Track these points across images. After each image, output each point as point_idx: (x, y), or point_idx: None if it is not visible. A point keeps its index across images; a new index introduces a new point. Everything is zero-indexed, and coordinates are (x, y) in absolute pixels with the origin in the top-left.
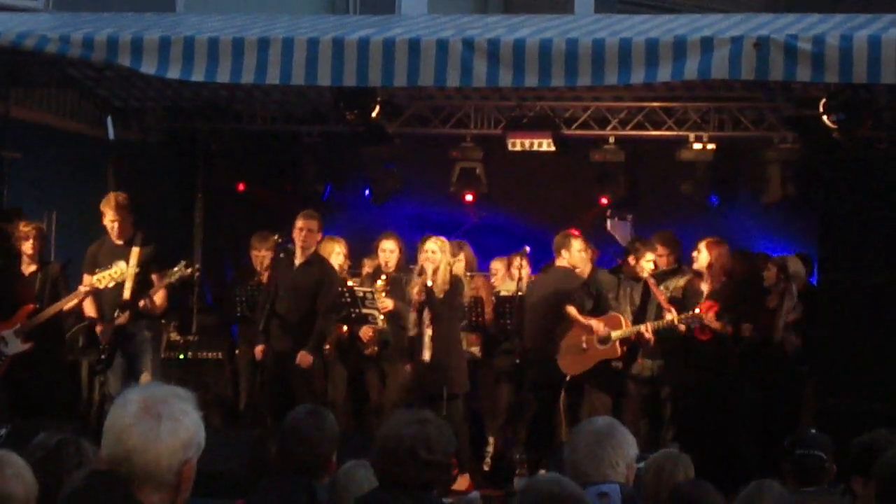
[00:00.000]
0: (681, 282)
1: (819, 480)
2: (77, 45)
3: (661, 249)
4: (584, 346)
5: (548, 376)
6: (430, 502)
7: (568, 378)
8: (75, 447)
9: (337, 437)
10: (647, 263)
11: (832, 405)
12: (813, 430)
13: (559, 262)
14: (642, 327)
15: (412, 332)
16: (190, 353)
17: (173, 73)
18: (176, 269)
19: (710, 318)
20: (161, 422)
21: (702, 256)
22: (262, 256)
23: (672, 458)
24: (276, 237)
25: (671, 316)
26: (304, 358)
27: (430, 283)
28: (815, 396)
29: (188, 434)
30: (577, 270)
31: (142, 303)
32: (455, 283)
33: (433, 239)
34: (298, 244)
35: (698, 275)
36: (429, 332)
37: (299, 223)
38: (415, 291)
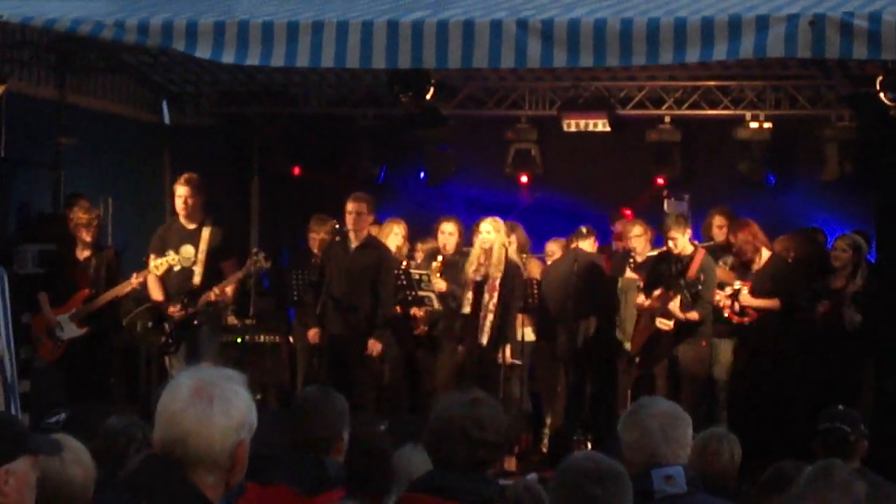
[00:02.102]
0: (730, 258)
1: (845, 454)
2: (132, 30)
3: (720, 220)
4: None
5: (605, 356)
6: (483, 481)
7: (634, 357)
8: (142, 432)
9: (346, 415)
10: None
11: (890, 384)
12: (841, 407)
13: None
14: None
15: (466, 309)
16: (248, 337)
17: (228, 57)
18: (253, 260)
19: (744, 299)
20: (213, 404)
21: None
22: (320, 239)
23: (717, 437)
24: (333, 221)
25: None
26: (374, 346)
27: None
28: (874, 376)
29: (240, 415)
30: (638, 252)
31: (214, 295)
32: (509, 264)
33: (488, 220)
34: (350, 227)
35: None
36: (490, 316)
37: (349, 206)
38: (471, 270)
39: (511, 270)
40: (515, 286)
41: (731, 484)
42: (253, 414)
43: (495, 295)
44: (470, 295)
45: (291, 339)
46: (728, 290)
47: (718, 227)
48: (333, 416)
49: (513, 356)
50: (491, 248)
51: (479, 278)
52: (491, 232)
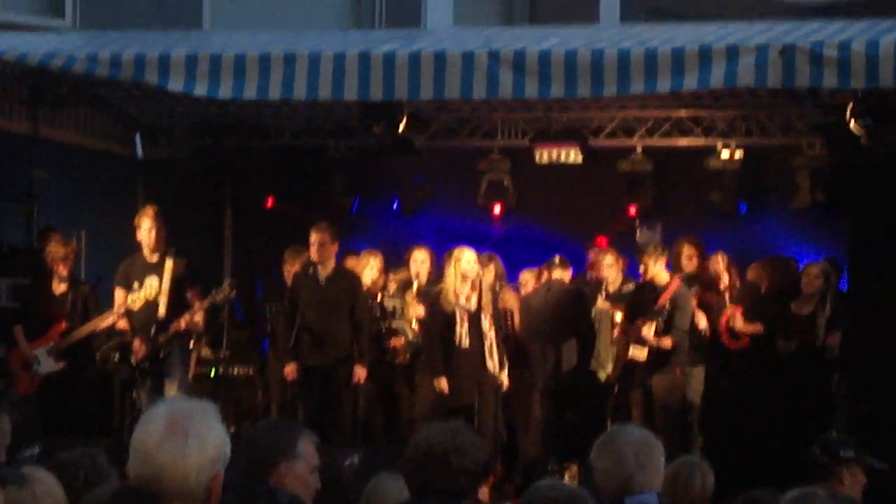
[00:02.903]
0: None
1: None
2: (104, 63)
3: (688, 250)
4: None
5: (581, 386)
6: None
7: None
8: (91, 462)
9: (290, 446)
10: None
11: (864, 410)
12: (834, 433)
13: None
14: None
15: (465, 344)
16: (221, 369)
17: (200, 90)
18: (220, 289)
19: (738, 323)
20: (188, 439)
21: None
22: (294, 271)
23: (688, 465)
24: (308, 253)
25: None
26: (360, 372)
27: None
28: (847, 402)
29: (215, 449)
30: (610, 282)
31: (184, 322)
32: (493, 293)
33: (468, 250)
34: (316, 258)
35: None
36: (494, 347)
37: (312, 237)
38: (462, 299)
39: (494, 300)
40: (502, 315)
41: None
42: (227, 446)
43: (492, 323)
44: (467, 327)
45: (266, 370)
46: (723, 315)
47: (688, 257)
48: (269, 446)
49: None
50: (478, 279)
51: (473, 308)
52: (474, 262)
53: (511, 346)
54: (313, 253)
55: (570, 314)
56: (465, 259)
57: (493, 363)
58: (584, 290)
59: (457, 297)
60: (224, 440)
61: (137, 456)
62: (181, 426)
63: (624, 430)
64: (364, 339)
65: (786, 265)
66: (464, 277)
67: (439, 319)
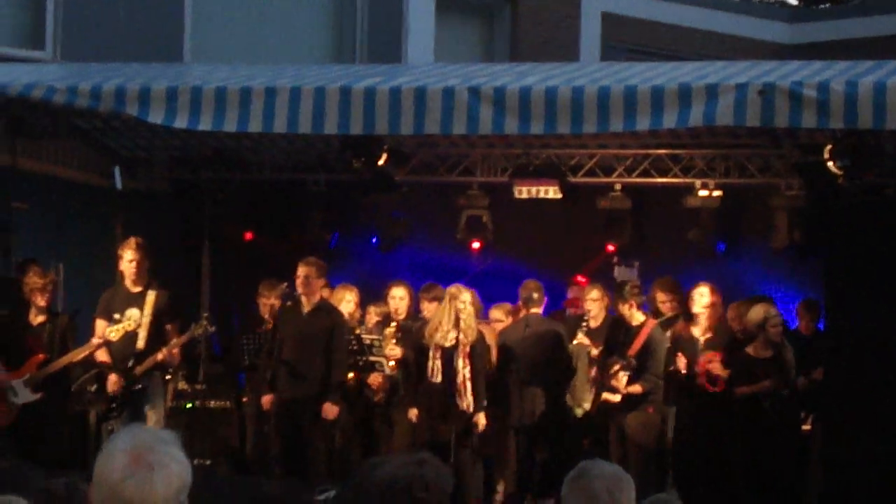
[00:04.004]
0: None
1: None
2: (85, 95)
3: (662, 296)
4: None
5: (556, 423)
6: None
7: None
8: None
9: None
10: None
11: (837, 452)
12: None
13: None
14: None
15: (437, 379)
16: (198, 402)
17: (181, 122)
18: (199, 324)
19: (716, 368)
20: (153, 473)
21: (703, 300)
22: (270, 304)
23: (659, 501)
24: (284, 285)
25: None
26: (330, 409)
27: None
28: (821, 444)
29: (180, 480)
30: (592, 316)
31: (161, 356)
32: (478, 331)
33: (462, 287)
34: (300, 291)
35: (688, 318)
36: (469, 384)
37: (299, 270)
38: (438, 337)
39: (479, 337)
40: (483, 353)
41: None
42: (189, 474)
43: (468, 362)
44: (439, 363)
45: (243, 403)
46: (701, 360)
47: (661, 302)
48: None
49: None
50: (459, 315)
51: (447, 345)
52: (467, 300)
53: (486, 382)
54: (299, 286)
55: (547, 352)
56: (461, 299)
57: (466, 401)
58: (560, 328)
59: (436, 332)
60: (186, 468)
61: (102, 490)
62: (145, 460)
63: (595, 466)
64: (337, 375)
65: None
66: (455, 317)
67: (415, 352)
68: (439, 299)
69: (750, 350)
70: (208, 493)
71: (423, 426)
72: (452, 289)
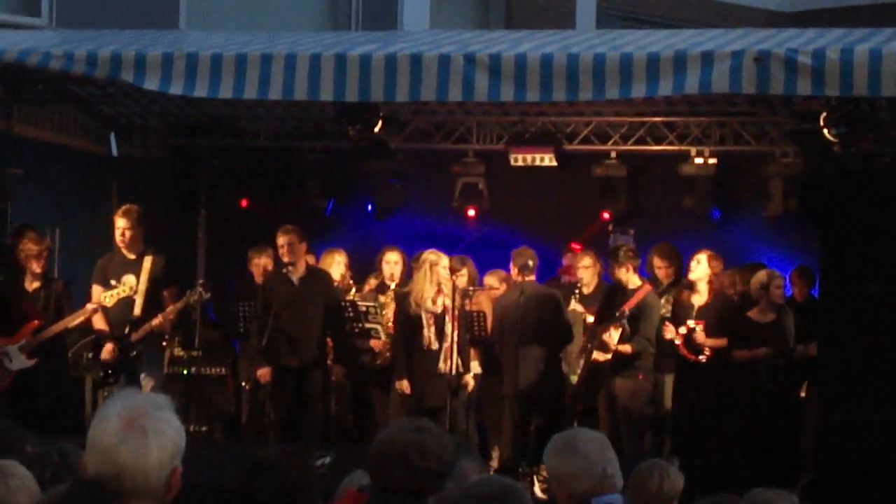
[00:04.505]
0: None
1: None
2: (81, 61)
3: (658, 262)
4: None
5: (551, 389)
6: None
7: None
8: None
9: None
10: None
11: (832, 419)
12: None
13: (530, 278)
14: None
15: (434, 346)
16: (193, 369)
17: (176, 88)
18: (194, 291)
19: (699, 337)
20: (148, 437)
21: (700, 268)
22: (262, 264)
23: (647, 466)
24: (270, 249)
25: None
26: (339, 370)
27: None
28: (817, 409)
29: (174, 445)
30: (585, 283)
31: (157, 321)
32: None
33: (439, 253)
34: (287, 259)
35: (689, 286)
36: (455, 347)
37: (280, 240)
38: (429, 303)
39: (461, 300)
40: (470, 317)
41: None
42: (183, 438)
43: (457, 325)
44: (434, 329)
45: (238, 371)
46: (683, 330)
47: (658, 268)
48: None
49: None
50: (447, 281)
51: (438, 311)
52: (447, 266)
53: (482, 348)
54: (283, 255)
55: (543, 318)
56: (442, 265)
57: (449, 364)
58: (557, 294)
59: (423, 300)
60: (180, 432)
61: (96, 454)
62: (139, 424)
63: (580, 432)
64: (341, 337)
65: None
66: (437, 283)
67: (405, 321)
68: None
69: (752, 314)
70: (205, 459)
71: (417, 394)
72: (431, 255)
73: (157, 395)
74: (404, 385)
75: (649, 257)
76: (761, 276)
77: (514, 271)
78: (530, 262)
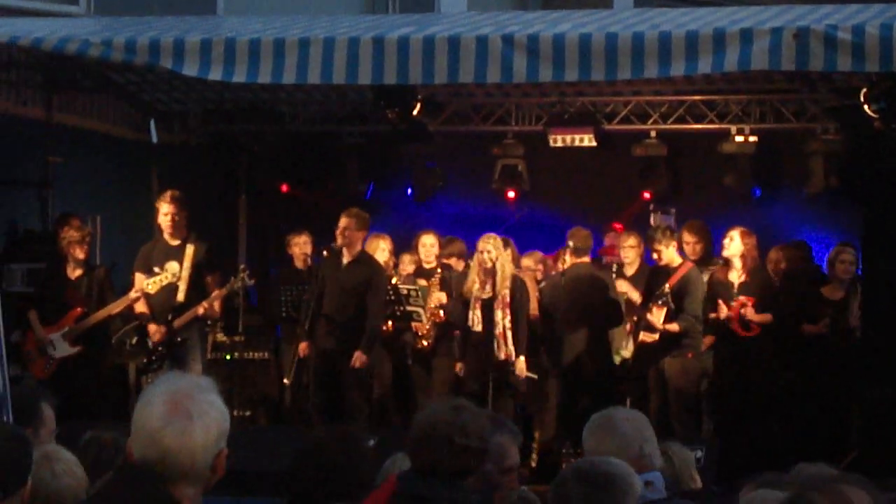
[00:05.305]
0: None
1: None
2: (119, 48)
3: (687, 237)
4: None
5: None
6: (464, 491)
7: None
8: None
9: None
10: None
11: (877, 395)
12: None
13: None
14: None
15: (477, 328)
16: (236, 354)
17: (215, 74)
18: (238, 277)
19: (749, 313)
20: (192, 420)
21: (734, 245)
22: (301, 244)
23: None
24: (307, 233)
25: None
26: (359, 358)
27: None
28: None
29: (218, 427)
30: (628, 263)
31: (202, 309)
32: (514, 279)
33: (486, 238)
34: (341, 243)
35: (725, 263)
36: (508, 334)
37: (341, 222)
38: (475, 289)
39: (516, 285)
40: (523, 300)
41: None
42: (227, 421)
43: (508, 311)
44: (479, 313)
45: (280, 355)
46: (734, 305)
47: (686, 244)
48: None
49: (528, 369)
50: (493, 267)
51: (485, 296)
52: (492, 251)
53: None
54: (338, 237)
55: (596, 298)
56: (483, 248)
57: (505, 350)
58: (606, 274)
59: (472, 284)
60: (224, 415)
61: (141, 437)
62: (184, 407)
63: (615, 411)
64: (372, 325)
65: (804, 249)
66: (485, 269)
67: (459, 305)
68: (456, 255)
69: (824, 290)
70: (249, 444)
71: (466, 375)
72: (480, 241)
73: (200, 377)
74: (458, 366)
75: (680, 234)
76: (832, 251)
77: (568, 251)
78: (589, 243)
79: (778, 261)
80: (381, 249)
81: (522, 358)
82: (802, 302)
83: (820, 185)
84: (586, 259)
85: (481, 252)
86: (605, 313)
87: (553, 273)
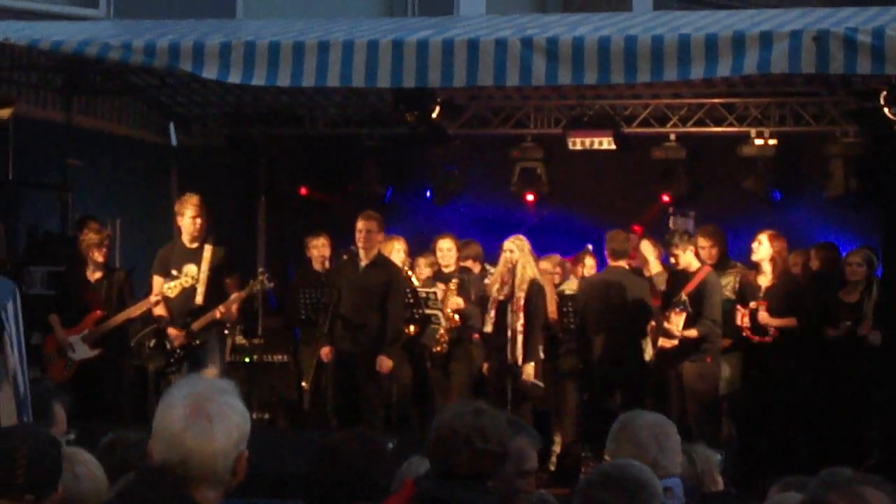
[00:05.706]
0: (728, 277)
1: None
2: (139, 51)
3: (702, 241)
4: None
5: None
6: (485, 492)
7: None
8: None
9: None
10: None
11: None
12: None
13: (619, 262)
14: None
15: (488, 328)
16: (255, 357)
17: (234, 77)
18: (257, 280)
19: (763, 318)
20: (213, 423)
21: (762, 248)
22: (319, 246)
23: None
24: (326, 235)
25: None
26: (383, 362)
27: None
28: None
29: (239, 431)
30: (647, 268)
31: (219, 313)
32: (532, 283)
33: (511, 238)
34: (360, 245)
35: (753, 267)
36: (520, 337)
37: (359, 224)
38: (494, 289)
39: (534, 289)
40: (539, 305)
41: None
42: (248, 423)
43: (521, 314)
44: (493, 314)
45: (299, 357)
46: (745, 311)
47: (701, 248)
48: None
49: (535, 376)
50: (514, 267)
51: (502, 297)
52: (514, 251)
53: (546, 334)
54: (359, 239)
55: (625, 301)
56: (506, 248)
57: (515, 354)
58: (636, 277)
59: (494, 283)
60: (245, 417)
61: (162, 441)
62: (204, 411)
63: (637, 416)
64: (393, 327)
65: (832, 251)
66: (506, 271)
67: (477, 308)
68: (472, 257)
69: (842, 293)
70: (268, 446)
71: (489, 376)
72: (506, 241)
73: (221, 380)
74: (485, 367)
75: (695, 238)
76: (846, 254)
77: (608, 254)
78: (627, 247)
79: (798, 264)
80: (396, 251)
81: (532, 364)
82: (826, 305)
83: (840, 187)
84: (622, 262)
85: (505, 251)
86: (640, 316)
87: (581, 276)
